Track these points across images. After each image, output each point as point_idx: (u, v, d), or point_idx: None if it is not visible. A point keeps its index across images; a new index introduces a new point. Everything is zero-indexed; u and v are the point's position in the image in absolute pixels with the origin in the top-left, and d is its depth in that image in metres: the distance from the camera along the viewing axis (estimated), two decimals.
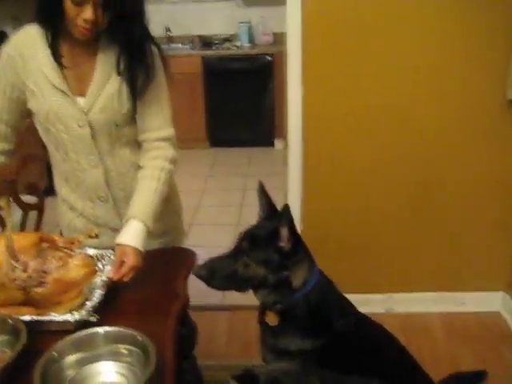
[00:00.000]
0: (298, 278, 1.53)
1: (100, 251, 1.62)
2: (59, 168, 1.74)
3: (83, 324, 1.33)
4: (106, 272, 1.53)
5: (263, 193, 1.63)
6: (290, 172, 2.74)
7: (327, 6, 2.42)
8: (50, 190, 1.90)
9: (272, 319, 1.57)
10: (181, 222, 1.96)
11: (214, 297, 3.00)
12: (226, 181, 4.87)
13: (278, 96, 5.51)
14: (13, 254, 1.38)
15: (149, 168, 1.67)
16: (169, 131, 1.70)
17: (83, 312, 1.36)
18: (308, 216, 2.74)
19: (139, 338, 1.20)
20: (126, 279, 1.50)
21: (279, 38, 5.73)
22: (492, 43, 2.43)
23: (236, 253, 1.53)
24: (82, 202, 1.74)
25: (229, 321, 2.87)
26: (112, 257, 1.58)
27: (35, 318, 1.35)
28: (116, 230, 1.73)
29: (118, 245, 1.54)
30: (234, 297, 3.04)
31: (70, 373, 1.19)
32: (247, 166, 5.25)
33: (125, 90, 1.60)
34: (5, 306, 1.36)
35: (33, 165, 1.97)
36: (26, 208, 1.94)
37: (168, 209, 1.81)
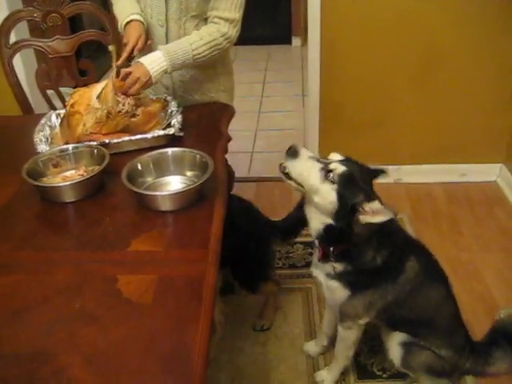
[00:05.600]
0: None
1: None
2: None
3: (171, 139, 1.68)
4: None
5: None
6: (310, 60, 2.95)
7: None
8: None
9: None
10: (231, 100, 2.17)
11: (241, 171, 3.35)
12: (247, 75, 5.02)
13: None
14: (116, 92, 1.71)
15: (200, 30, 1.90)
16: (233, 14, 1.89)
17: (173, 129, 1.71)
18: (326, 97, 3.01)
19: (198, 156, 1.53)
20: (131, 91, 1.74)
21: None
22: None
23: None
24: None
25: (255, 190, 3.17)
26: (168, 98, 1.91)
27: (135, 137, 1.69)
28: (167, 88, 2.03)
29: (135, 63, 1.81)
30: (258, 170, 3.40)
31: (147, 180, 1.53)
32: (266, 61, 5.41)
33: None
34: (109, 134, 1.70)
35: None
36: None
37: (218, 88, 2.08)
